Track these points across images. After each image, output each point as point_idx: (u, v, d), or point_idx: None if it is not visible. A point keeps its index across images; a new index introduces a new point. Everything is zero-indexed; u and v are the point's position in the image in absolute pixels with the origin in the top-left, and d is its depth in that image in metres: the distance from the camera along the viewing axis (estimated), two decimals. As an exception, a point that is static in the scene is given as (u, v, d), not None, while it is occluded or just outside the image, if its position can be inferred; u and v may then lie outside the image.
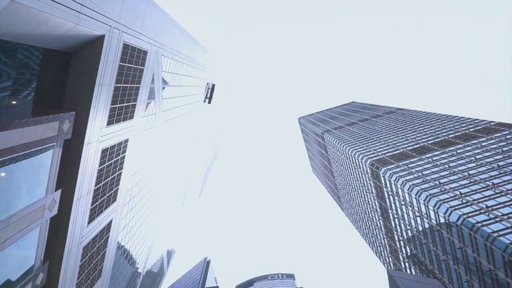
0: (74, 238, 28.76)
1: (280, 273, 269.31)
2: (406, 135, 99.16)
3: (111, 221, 39.01)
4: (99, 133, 29.24)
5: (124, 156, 38.71)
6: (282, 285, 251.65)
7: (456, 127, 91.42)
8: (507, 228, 45.71)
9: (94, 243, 34.73)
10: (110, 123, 31.63)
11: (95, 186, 31.57)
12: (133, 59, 33.96)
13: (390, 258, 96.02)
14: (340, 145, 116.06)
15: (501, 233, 45.06)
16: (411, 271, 77.25)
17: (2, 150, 17.19)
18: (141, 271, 64.55)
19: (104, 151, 31.83)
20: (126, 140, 38.13)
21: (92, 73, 25.85)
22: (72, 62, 25.91)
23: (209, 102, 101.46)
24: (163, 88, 50.33)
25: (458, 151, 74.80)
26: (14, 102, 20.44)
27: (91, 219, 32.36)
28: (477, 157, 68.45)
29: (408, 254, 78.55)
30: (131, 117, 37.76)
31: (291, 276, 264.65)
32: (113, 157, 35.03)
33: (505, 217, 47.91)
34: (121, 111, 34.01)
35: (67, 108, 25.43)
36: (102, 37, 26.04)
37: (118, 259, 46.58)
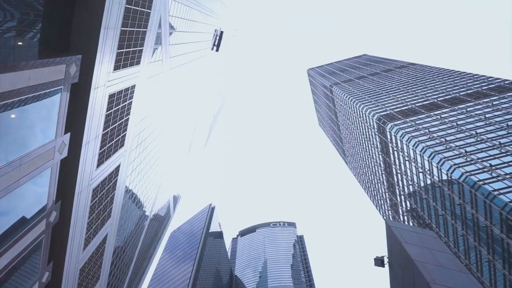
0: (84, 180, 29.72)
1: (282, 221, 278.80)
2: (416, 91, 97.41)
3: (119, 166, 40.02)
4: (106, 78, 29.08)
5: (131, 102, 38.77)
6: (283, 232, 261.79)
7: (468, 84, 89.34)
8: (508, 187, 46.27)
9: (103, 186, 35.93)
10: (116, 68, 31.33)
11: (103, 131, 32.01)
12: (139, 1, 32.83)
13: (389, 211, 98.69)
14: (348, 98, 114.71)
15: (501, 191, 45.71)
16: (409, 224, 79.62)
17: (11, 92, 17.28)
18: (148, 214, 67.29)
19: (111, 96, 31.85)
20: (133, 86, 37.97)
21: (98, 15, 25.15)
22: (77, 3, 25.13)
23: (217, 50, 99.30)
24: (170, 33, 49.08)
25: (468, 109, 73.77)
26: (20, 43, 20.17)
27: (100, 163, 33.20)
28: (487, 116, 67.60)
29: (408, 208, 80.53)
30: (138, 63, 37.29)
31: (292, 225, 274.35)
32: (120, 103, 35.12)
33: (507, 176, 48.32)
34: (128, 56, 33.52)
35: (73, 52, 25.09)
36: (107, -23, 24.98)
37: (127, 202, 48.38)
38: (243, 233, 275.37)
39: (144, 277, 76.33)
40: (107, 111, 31.75)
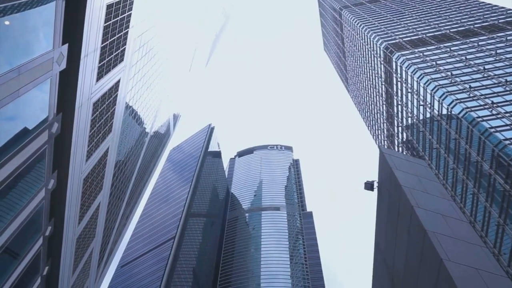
0: (84, 93, 29.66)
1: (279, 144, 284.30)
2: (429, 20, 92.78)
3: (119, 81, 39.65)
4: (103, -14, 27.43)
5: (131, 14, 37.06)
6: (280, 155, 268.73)
7: (485, 16, 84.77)
8: (506, 125, 46.60)
9: (103, 100, 35.99)
10: (114, -25, 29.37)
11: (102, 44, 31.09)
12: None
13: (385, 142, 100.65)
14: (357, 23, 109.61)
15: (498, 129, 46.12)
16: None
17: (3, -4, 16.40)
18: (148, 131, 68.47)
19: (109, 6, 30.34)
20: (132, -3, 35.98)
21: None
22: None
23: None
24: None
25: (480, 43, 71.08)
26: None
27: (100, 76, 32.83)
28: (498, 51, 65.37)
29: (404, 140, 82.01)
30: (137, -29, 34.88)
31: (289, 148, 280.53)
32: (118, 14, 33.58)
33: (507, 114, 48.39)
34: (126, -38, 31.21)
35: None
36: None
37: (127, 118, 48.89)
38: (240, 154, 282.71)
39: (145, 190, 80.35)
40: (105, 22, 30.48)
